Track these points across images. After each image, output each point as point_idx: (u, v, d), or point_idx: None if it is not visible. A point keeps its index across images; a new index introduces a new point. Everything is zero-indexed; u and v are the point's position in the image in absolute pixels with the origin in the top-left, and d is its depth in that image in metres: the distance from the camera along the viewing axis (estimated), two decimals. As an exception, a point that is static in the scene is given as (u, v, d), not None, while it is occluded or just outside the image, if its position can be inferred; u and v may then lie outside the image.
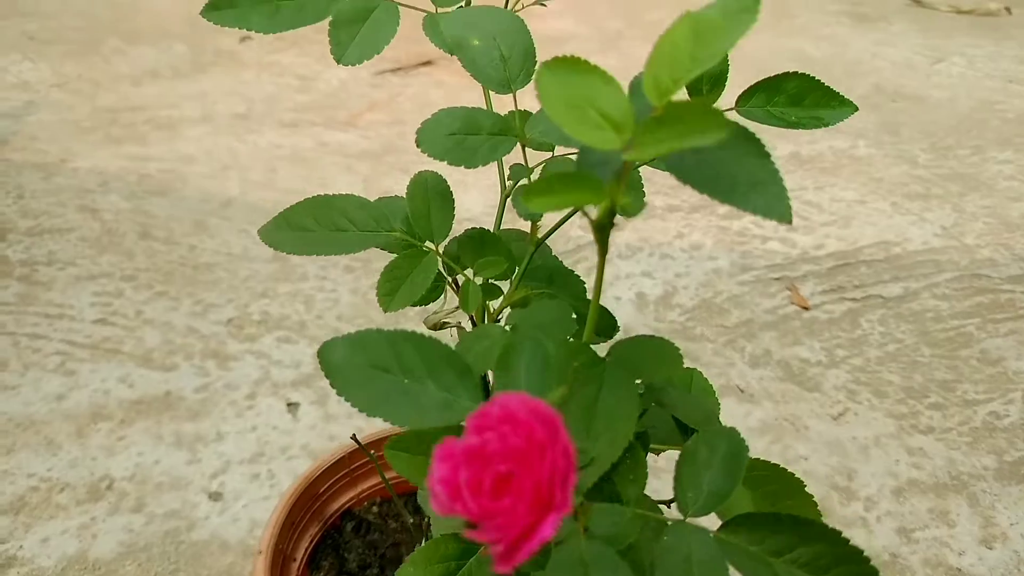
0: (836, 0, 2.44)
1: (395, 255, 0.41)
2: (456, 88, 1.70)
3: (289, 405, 0.91)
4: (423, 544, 0.43)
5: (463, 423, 0.29)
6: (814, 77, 0.40)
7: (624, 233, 1.25)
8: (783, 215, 0.27)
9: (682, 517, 0.33)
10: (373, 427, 0.86)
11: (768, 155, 0.27)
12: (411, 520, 0.55)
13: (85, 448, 0.85)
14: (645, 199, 0.46)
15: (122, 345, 0.99)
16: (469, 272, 0.42)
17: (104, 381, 0.93)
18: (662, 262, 1.19)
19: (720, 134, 0.22)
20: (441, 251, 0.42)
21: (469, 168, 0.38)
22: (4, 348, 0.98)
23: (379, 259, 1.19)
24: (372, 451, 0.58)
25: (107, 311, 1.04)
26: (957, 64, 1.99)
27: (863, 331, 1.08)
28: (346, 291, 1.09)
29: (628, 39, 2.03)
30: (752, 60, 1.92)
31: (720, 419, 0.38)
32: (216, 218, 1.23)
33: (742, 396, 0.96)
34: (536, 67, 0.37)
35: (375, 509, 0.63)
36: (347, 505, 0.62)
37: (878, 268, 1.20)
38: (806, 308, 1.11)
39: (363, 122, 1.54)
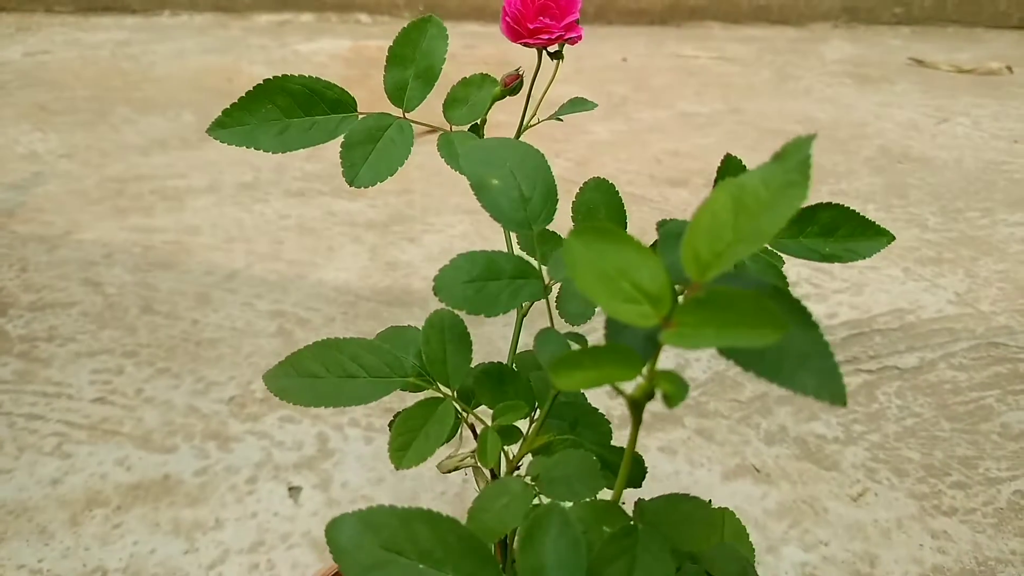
0: (838, 60, 2.46)
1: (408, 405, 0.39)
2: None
3: (291, 490, 0.89)
4: None
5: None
6: (848, 207, 0.38)
7: (632, 302, 1.23)
8: (836, 396, 0.25)
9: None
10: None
11: (816, 326, 0.25)
12: None
13: (79, 537, 0.82)
14: (688, 388, 0.45)
15: (121, 426, 0.97)
16: (481, 420, 0.40)
17: (101, 464, 0.91)
18: (671, 332, 1.17)
19: (775, 336, 0.21)
20: (457, 392, 0.39)
21: (489, 317, 0.36)
22: (0, 429, 0.96)
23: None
24: None
25: (106, 389, 1.02)
26: (962, 124, 1.99)
27: (880, 405, 1.05)
28: (350, 366, 1.07)
29: (633, 103, 2.04)
30: (757, 123, 1.93)
31: (755, 568, 0.36)
32: (220, 291, 1.22)
33: (758, 476, 0.93)
34: (557, 200, 0.36)
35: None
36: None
37: (893, 337, 1.18)
38: (820, 380, 1.09)
39: (371, 191, 1.54)
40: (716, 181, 0.38)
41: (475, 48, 2.43)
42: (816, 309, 1.24)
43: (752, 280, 0.27)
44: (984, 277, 1.34)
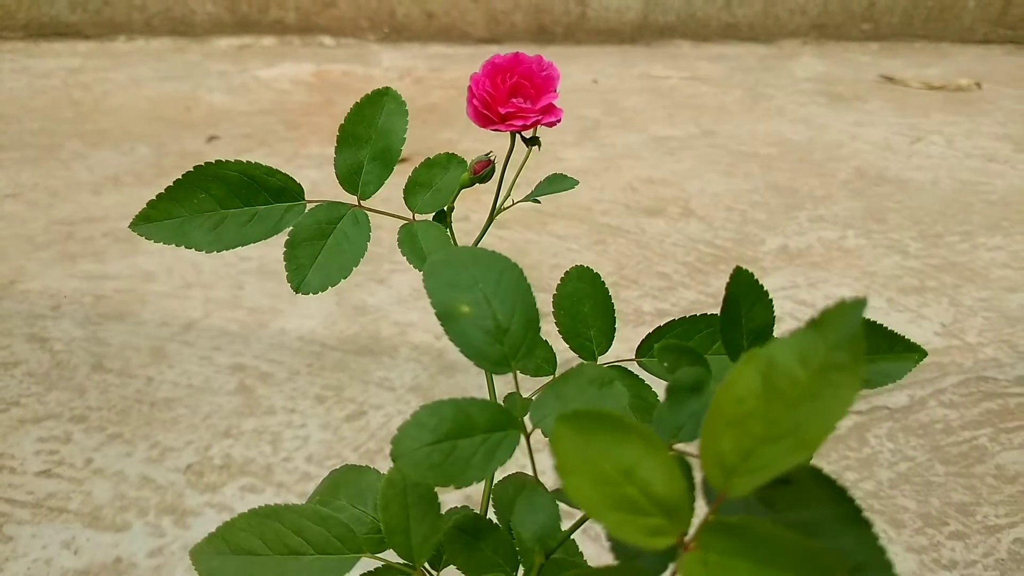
0: (809, 78, 2.45)
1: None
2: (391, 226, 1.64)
3: (252, 570, 0.82)
4: None
5: None
6: (873, 322, 0.33)
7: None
8: None
9: None
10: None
11: (870, 526, 0.20)
12: None
13: (19, 635, 0.75)
14: None
15: (68, 502, 0.89)
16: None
17: (46, 548, 0.84)
18: (653, 375, 1.12)
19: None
20: (420, 562, 0.33)
21: (459, 488, 0.30)
22: (-65, 510, 0.88)
23: (352, 386, 1.11)
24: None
25: (52, 460, 0.95)
26: (936, 143, 1.97)
27: (872, 448, 1.01)
28: (316, 426, 1.01)
29: (605, 128, 2.00)
30: (730, 146, 1.90)
31: None
32: (176, 344, 1.15)
33: (750, 535, 0.88)
34: (540, 332, 0.31)
35: None
36: None
37: (880, 374, 1.14)
38: (809, 425, 1.04)
39: (334, 228, 1.48)
40: (724, 309, 0.33)
41: (443, 71, 2.38)
42: (801, 346, 1.20)
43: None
44: (968, 306, 1.31)
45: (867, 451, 1.01)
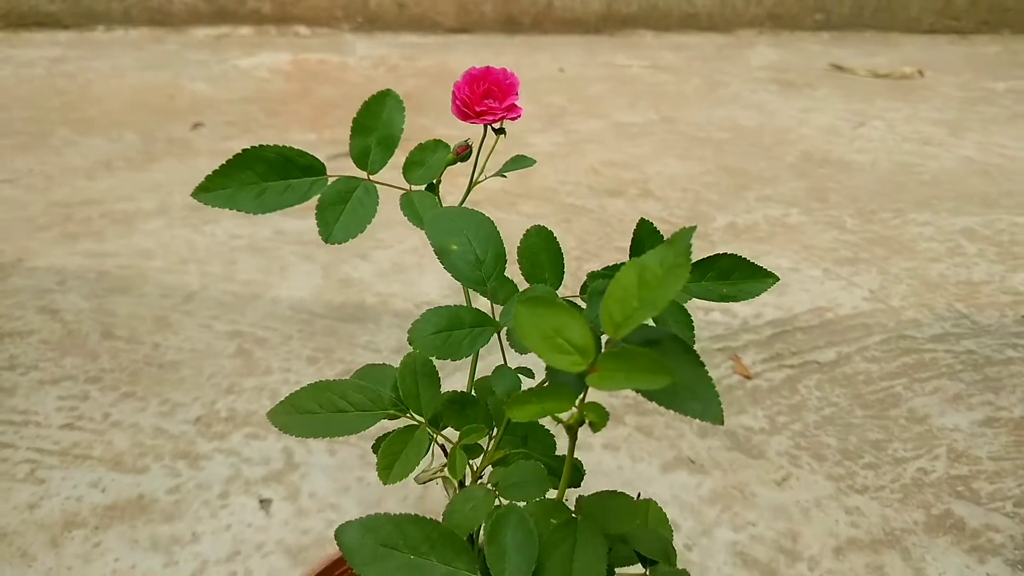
0: (763, 67, 2.59)
1: (390, 432, 0.46)
2: (394, 194, 1.76)
3: (261, 502, 0.94)
4: None
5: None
6: (740, 256, 0.46)
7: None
8: (716, 418, 0.33)
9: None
10: (345, 515, 0.90)
11: (702, 365, 0.33)
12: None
13: (60, 557, 0.87)
14: (608, 416, 0.52)
15: (91, 450, 1.01)
16: (449, 440, 0.47)
17: (76, 488, 0.95)
18: (612, 337, 1.26)
19: (665, 382, 0.28)
20: (428, 419, 0.46)
21: (454, 360, 0.43)
22: (-29, 459, 0.99)
23: (340, 349, 1.23)
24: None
25: (73, 415, 1.06)
26: (878, 128, 2.13)
27: (801, 397, 1.15)
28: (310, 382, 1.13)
29: (570, 114, 2.13)
30: (687, 132, 2.03)
31: (675, 547, 0.43)
32: (178, 313, 1.26)
33: (693, 467, 1.02)
34: (506, 259, 0.43)
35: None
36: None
37: (813, 334, 1.29)
38: (748, 377, 1.19)
39: (319, 208, 1.59)
40: (632, 245, 0.46)
41: (415, 60, 2.49)
42: (743, 311, 1.34)
43: (661, 331, 0.34)
44: (895, 274, 1.46)
45: (797, 399, 1.15)
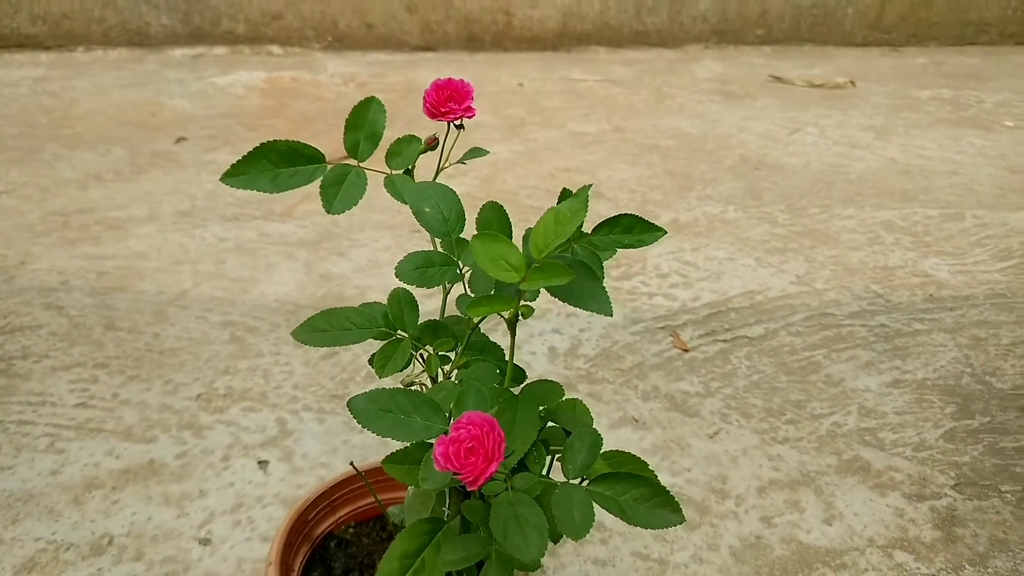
0: (708, 79, 2.78)
1: (383, 342, 0.60)
2: (378, 177, 1.90)
3: (260, 463, 1.07)
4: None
5: (435, 439, 0.49)
6: (638, 216, 0.61)
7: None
8: (607, 311, 0.48)
9: (567, 480, 0.52)
10: (334, 473, 1.03)
11: (600, 279, 0.48)
12: (391, 528, 0.73)
13: (84, 513, 0.99)
14: (535, 310, 0.67)
15: (104, 424, 1.13)
16: (429, 348, 0.61)
17: (92, 456, 1.08)
18: (568, 320, 1.41)
19: (567, 278, 0.43)
20: (411, 335, 0.60)
21: (428, 288, 0.57)
22: (-4, 434, 1.11)
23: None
24: (346, 489, 0.76)
25: (85, 396, 1.18)
26: (811, 133, 2.32)
27: (732, 366, 1.31)
28: (298, 364, 1.26)
29: (529, 125, 2.29)
30: (636, 140, 2.20)
31: (594, 426, 0.58)
32: (174, 307, 1.39)
33: (636, 425, 1.17)
34: (465, 221, 0.58)
35: (351, 530, 0.80)
36: (329, 528, 0.79)
37: (744, 313, 1.45)
38: (686, 350, 1.34)
39: (298, 213, 1.73)
40: (558, 202, 0.61)
41: (383, 76, 2.63)
42: (683, 295, 1.50)
43: (574, 257, 0.49)
44: (820, 262, 1.64)
45: (728, 368, 1.31)
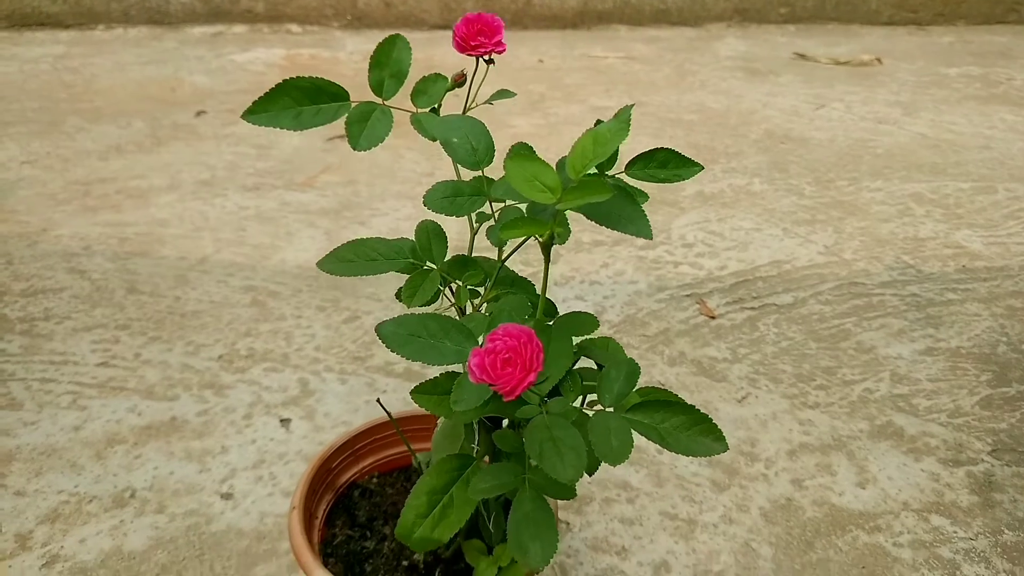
0: (731, 57, 2.74)
1: (410, 274, 0.58)
2: (399, 148, 1.89)
3: (282, 421, 1.06)
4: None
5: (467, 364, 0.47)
6: (674, 150, 0.58)
7: (559, 265, 1.45)
8: (646, 234, 0.46)
9: (602, 409, 0.51)
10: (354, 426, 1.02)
11: (637, 203, 0.46)
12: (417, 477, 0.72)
13: (106, 467, 0.98)
14: (571, 232, 0.65)
15: (126, 383, 1.12)
16: (458, 282, 0.59)
17: (114, 412, 1.07)
18: (591, 288, 1.39)
19: (607, 195, 0.41)
20: (439, 269, 0.59)
21: (457, 217, 0.55)
22: (18, 392, 1.10)
23: (346, 299, 1.35)
24: (370, 438, 0.74)
25: (107, 356, 1.17)
26: (837, 109, 2.28)
27: (760, 333, 1.29)
28: (320, 327, 1.25)
29: (550, 100, 2.26)
30: (658, 114, 2.17)
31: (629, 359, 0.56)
32: (195, 272, 1.38)
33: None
34: (495, 153, 0.56)
35: (375, 480, 0.79)
36: (353, 478, 0.78)
37: (772, 282, 1.42)
38: (713, 317, 1.32)
39: (319, 183, 1.71)
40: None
41: (402, 54, 2.62)
42: (709, 264, 1.47)
43: (611, 183, 0.47)
44: (849, 232, 1.60)
45: (756, 335, 1.28)
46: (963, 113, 2.27)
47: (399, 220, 1.58)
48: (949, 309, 1.37)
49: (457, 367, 0.50)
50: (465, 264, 0.57)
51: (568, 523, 0.93)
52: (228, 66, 2.44)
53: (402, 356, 0.49)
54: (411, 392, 0.51)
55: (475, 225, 0.63)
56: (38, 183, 1.67)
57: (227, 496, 0.94)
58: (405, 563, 0.69)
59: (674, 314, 1.32)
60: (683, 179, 0.59)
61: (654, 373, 1.18)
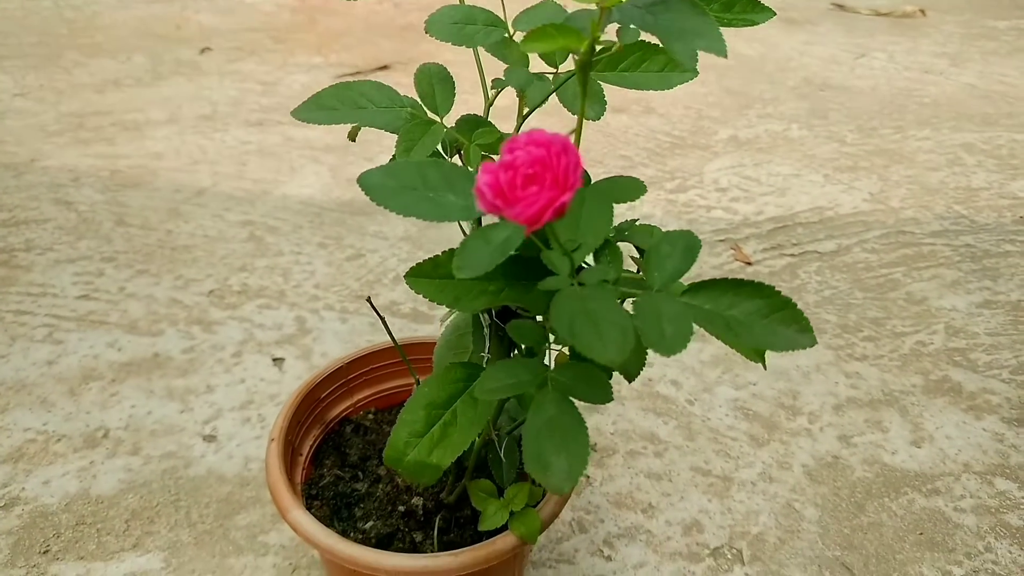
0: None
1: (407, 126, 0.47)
2: (410, 87, 1.77)
3: (275, 360, 0.97)
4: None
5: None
6: None
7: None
8: (720, 51, 0.35)
9: (651, 290, 0.40)
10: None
11: (707, 14, 0.35)
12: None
13: (78, 404, 0.89)
14: (606, 106, 0.54)
15: (107, 316, 1.03)
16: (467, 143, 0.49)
17: (92, 347, 0.98)
18: (616, 231, 1.28)
19: None
20: (447, 127, 0.48)
21: (468, 48, 0.45)
22: (-10, 324, 1.01)
23: (350, 237, 1.24)
24: (365, 368, 0.64)
25: (89, 288, 1.08)
26: (879, 59, 2.14)
27: (801, 281, 1.17)
28: (321, 264, 1.15)
29: (573, 43, 2.14)
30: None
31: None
32: (190, 206, 1.28)
33: (694, 336, 1.04)
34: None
35: (370, 416, 0.69)
36: (345, 412, 0.68)
37: (813, 229, 1.31)
38: (749, 263, 1.21)
39: (325, 119, 1.61)
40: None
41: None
42: (744, 209, 1.35)
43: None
44: (895, 180, 1.48)
45: (797, 282, 1.17)
46: (1015, 65, 2.12)
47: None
48: (1007, 261, 1.25)
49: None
50: (476, 124, 0.47)
51: (588, 476, 0.83)
52: (237, 6, 2.33)
53: (391, 209, 0.38)
54: (406, 275, 0.41)
55: (491, 92, 0.52)
56: (29, 114, 1.57)
57: (210, 438, 0.85)
58: (401, 508, 0.59)
59: (707, 259, 1.21)
60: (754, 23, 0.48)
61: (684, 319, 1.07)
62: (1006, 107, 1.84)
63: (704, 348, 1.02)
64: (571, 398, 0.38)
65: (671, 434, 0.89)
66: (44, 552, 0.72)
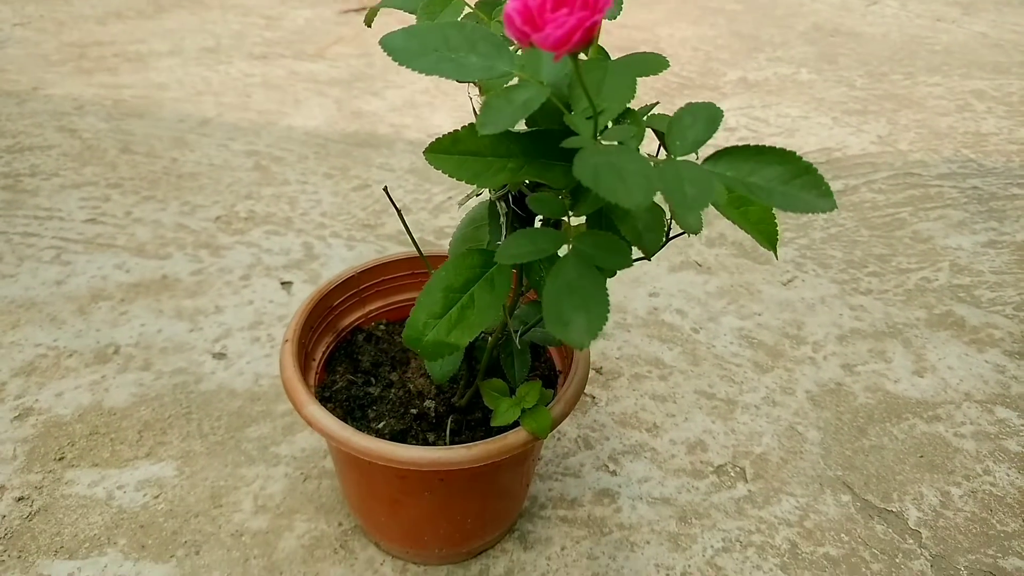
0: (776, -46, 2.55)
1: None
2: (418, 26, 1.75)
3: (283, 283, 0.97)
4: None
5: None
6: None
7: (586, 143, 1.33)
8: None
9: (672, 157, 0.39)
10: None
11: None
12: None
13: (88, 322, 0.90)
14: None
15: (115, 240, 1.03)
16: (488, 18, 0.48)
17: (101, 268, 0.98)
18: (623, 167, 1.27)
19: None
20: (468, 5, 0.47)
21: None
22: (-2, 245, 1.01)
23: (355, 168, 1.24)
24: (378, 279, 0.64)
25: (96, 212, 1.08)
26: (890, 5, 2.11)
27: (808, 218, 1.17)
28: (327, 193, 1.15)
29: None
30: (698, 1, 2.01)
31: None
32: (195, 135, 1.27)
33: (700, 269, 1.05)
34: None
35: (382, 327, 0.69)
36: (357, 322, 0.68)
37: (821, 169, 1.30)
38: (756, 200, 1.20)
39: (331, 54, 1.59)
40: None
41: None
42: (753, 147, 1.35)
43: None
44: (904, 124, 1.47)
45: (804, 219, 1.17)
46: (1028, 14, 2.10)
47: (415, 93, 1.46)
48: (1014, 204, 1.25)
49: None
50: (496, 1, 0.46)
51: (594, 396, 0.84)
52: (238, -58, 2.28)
53: (414, 69, 0.38)
54: (425, 151, 0.40)
55: None
56: (30, 43, 1.55)
57: (219, 356, 0.86)
58: (413, 411, 0.60)
59: (713, 196, 1.21)
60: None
61: (691, 253, 1.08)
62: (1018, 56, 1.82)
63: (710, 280, 1.03)
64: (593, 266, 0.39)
65: (676, 359, 0.90)
66: (59, 459, 0.74)
